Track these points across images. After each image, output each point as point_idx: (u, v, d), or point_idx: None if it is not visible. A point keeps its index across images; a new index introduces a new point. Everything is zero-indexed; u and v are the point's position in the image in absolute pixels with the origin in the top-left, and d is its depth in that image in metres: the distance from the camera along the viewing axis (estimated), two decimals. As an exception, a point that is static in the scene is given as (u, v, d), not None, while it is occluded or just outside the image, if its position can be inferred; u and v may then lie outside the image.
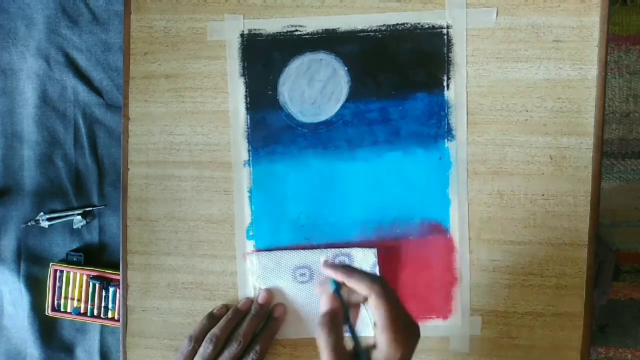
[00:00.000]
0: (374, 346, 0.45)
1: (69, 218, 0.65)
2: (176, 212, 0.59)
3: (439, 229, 0.56)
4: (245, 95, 0.58)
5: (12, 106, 0.66)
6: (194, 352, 0.55)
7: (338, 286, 0.47)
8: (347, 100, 0.57)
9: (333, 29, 0.56)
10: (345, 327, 0.46)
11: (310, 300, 0.57)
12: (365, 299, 0.45)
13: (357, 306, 0.48)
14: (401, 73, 0.56)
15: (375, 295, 0.44)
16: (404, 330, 0.44)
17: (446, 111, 0.56)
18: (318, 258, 0.56)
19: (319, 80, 0.57)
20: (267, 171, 0.58)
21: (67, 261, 0.65)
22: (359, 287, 0.45)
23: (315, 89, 0.57)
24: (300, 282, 0.57)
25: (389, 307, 0.44)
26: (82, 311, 0.64)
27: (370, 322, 0.46)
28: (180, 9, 0.58)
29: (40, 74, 0.65)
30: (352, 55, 0.56)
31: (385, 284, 0.45)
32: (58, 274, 0.64)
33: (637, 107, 1.13)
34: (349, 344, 0.45)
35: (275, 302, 0.58)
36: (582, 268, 0.55)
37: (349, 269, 0.47)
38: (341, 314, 0.46)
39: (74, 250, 0.65)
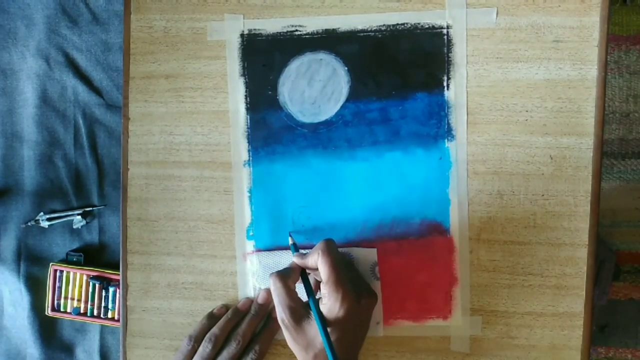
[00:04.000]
0: (320, 299, 0.50)
1: (69, 218, 0.65)
2: (176, 212, 0.59)
3: (439, 229, 0.56)
4: (245, 95, 0.58)
5: (12, 106, 0.66)
6: (193, 351, 0.55)
7: (295, 249, 0.54)
8: (347, 100, 0.57)
9: (333, 29, 0.56)
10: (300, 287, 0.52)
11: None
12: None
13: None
14: (401, 73, 0.56)
15: (320, 253, 0.49)
16: (349, 287, 0.49)
17: (446, 111, 0.56)
18: (318, 258, 0.56)
19: (319, 80, 0.57)
20: (267, 171, 0.58)
21: (67, 261, 0.65)
22: (313, 258, 0.50)
23: (315, 89, 0.57)
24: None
25: (331, 263, 0.48)
26: (82, 311, 0.64)
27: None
28: (180, 9, 0.58)
29: (40, 74, 0.65)
30: (352, 55, 0.56)
31: (330, 245, 0.50)
32: (58, 274, 0.64)
33: (637, 107, 1.13)
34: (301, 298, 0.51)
35: (275, 302, 0.58)
36: (582, 268, 0.55)
37: (306, 254, 0.52)
38: (294, 270, 0.52)
39: (74, 250, 0.65)
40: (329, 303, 0.48)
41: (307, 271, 0.53)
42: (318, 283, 0.52)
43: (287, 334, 0.50)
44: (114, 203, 0.65)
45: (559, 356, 0.56)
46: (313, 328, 0.49)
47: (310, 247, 0.56)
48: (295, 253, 0.53)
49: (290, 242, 0.56)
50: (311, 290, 0.51)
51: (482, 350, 0.56)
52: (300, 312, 0.50)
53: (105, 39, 0.64)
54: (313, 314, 0.49)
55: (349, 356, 0.50)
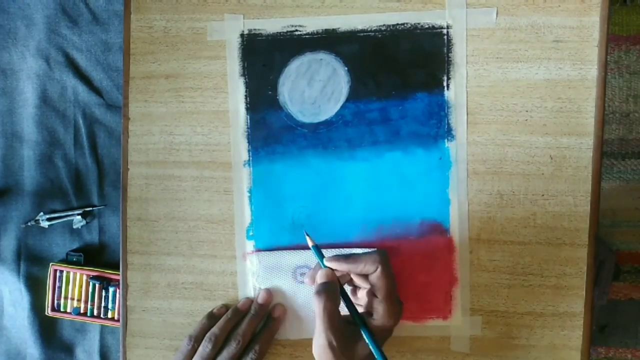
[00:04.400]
0: (369, 314, 0.48)
1: (69, 218, 0.65)
2: (176, 212, 0.59)
3: (439, 229, 0.56)
4: (245, 95, 0.58)
5: (12, 106, 0.66)
6: (193, 351, 0.55)
7: (318, 252, 0.50)
8: (347, 100, 0.57)
9: (333, 29, 0.56)
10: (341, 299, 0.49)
11: (310, 300, 0.57)
12: (365, 276, 0.49)
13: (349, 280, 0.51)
14: (401, 73, 0.56)
15: (381, 268, 0.47)
16: (397, 303, 0.49)
17: (446, 111, 0.56)
18: (318, 258, 0.56)
19: (319, 80, 0.57)
20: (267, 171, 0.58)
21: (67, 261, 0.65)
22: (366, 269, 0.48)
23: (315, 89, 0.57)
24: (300, 282, 0.57)
25: (391, 280, 0.47)
26: (82, 311, 0.64)
27: (353, 299, 0.51)
28: (180, 9, 0.58)
29: (40, 74, 0.65)
30: (352, 55, 0.56)
31: (388, 259, 0.48)
32: (58, 274, 0.64)
33: (637, 107, 1.13)
34: (342, 311, 0.48)
35: (275, 302, 0.58)
36: (582, 268, 0.55)
37: (351, 257, 0.49)
38: (338, 284, 0.48)
39: (74, 250, 0.65)
40: (383, 320, 0.47)
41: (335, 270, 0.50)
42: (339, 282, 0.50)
43: (329, 356, 0.45)
44: (114, 203, 0.65)
45: (559, 356, 0.56)
46: (360, 347, 0.46)
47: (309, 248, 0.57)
48: (329, 257, 0.49)
49: (311, 243, 0.51)
50: (357, 312, 0.48)
51: (482, 350, 0.56)
52: (346, 332, 0.46)
53: (105, 39, 0.64)
54: (364, 334, 0.46)
55: None
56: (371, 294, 0.49)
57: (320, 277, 0.48)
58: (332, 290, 0.47)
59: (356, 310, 0.48)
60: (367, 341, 0.46)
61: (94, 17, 0.64)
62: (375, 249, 0.49)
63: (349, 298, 0.49)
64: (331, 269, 0.49)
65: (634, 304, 1.15)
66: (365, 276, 0.49)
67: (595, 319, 1.14)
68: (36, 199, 0.65)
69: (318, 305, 0.46)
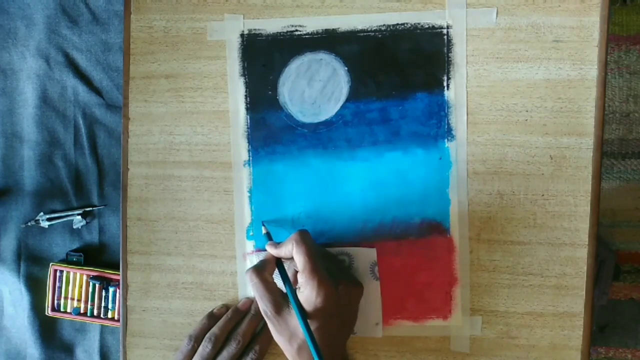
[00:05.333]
0: (298, 288, 0.50)
1: (69, 218, 0.65)
2: (176, 212, 0.59)
3: (439, 229, 0.56)
4: (245, 95, 0.58)
5: (12, 106, 0.66)
6: (193, 351, 0.55)
7: (268, 239, 0.55)
8: (347, 100, 0.57)
9: (333, 29, 0.56)
10: (277, 277, 0.52)
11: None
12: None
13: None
14: (401, 73, 0.56)
15: (295, 243, 0.49)
16: (325, 274, 0.49)
17: (446, 111, 0.56)
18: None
19: (319, 80, 0.57)
20: (267, 171, 0.58)
21: (67, 261, 0.65)
22: (287, 248, 0.50)
23: (315, 89, 0.57)
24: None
25: (306, 252, 0.49)
26: (82, 311, 0.64)
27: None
28: (180, 9, 0.58)
29: (40, 74, 0.65)
30: (352, 55, 0.56)
31: (304, 235, 0.50)
32: (58, 274, 0.64)
33: (637, 107, 1.13)
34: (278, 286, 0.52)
35: (275, 302, 0.58)
36: (582, 268, 0.55)
37: (279, 243, 0.52)
38: (274, 262, 0.53)
39: (74, 250, 0.65)
40: (306, 291, 0.49)
41: (285, 262, 0.53)
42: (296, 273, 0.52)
43: (271, 327, 0.51)
44: (114, 203, 0.65)
45: (559, 356, 0.56)
46: (294, 318, 0.49)
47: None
48: (268, 243, 0.54)
49: (264, 231, 0.56)
50: (287, 280, 0.52)
51: (482, 350, 0.56)
52: (280, 302, 0.50)
53: (105, 39, 0.64)
54: (291, 304, 0.50)
55: (335, 346, 0.50)
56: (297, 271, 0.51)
57: (258, 258, 0.55)
58: (259, 266, 0.52)
59: (286, 280, 0.51)
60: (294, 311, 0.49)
61: (94, 17, 0.64)
62: (297, 230, 0.51)
63: (284, 271, 0.52)
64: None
65: (634, 304, 1.15)
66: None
67: (595, 319, 1.14)
68: (36, 199, 0.65)
69: (248, 281, 0.51)
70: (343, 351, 0.54)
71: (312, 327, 0.48)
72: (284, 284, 0.51)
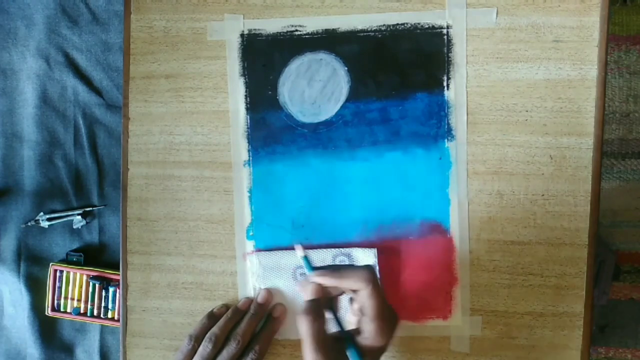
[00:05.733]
0: (358, 332, 0.47)
1: (69, 218, 0.65)
2: (176, 212, 0.59)
3: (439, 229, 0.56)
4: (245, 95, 0.58)
5: (12, 106, 0.66)
6: (193, 351, 0.55)
7: (309, 264, 0.49)
8: (347, 100, 0.57)
9: (333, 29, 0.56)
10: (329, 314, 0.47)
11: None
12: (354, 291, 0.46)
13: (338, 295, 0.49)
14: (401, 73, 0.56)
15: (371, 287, 0.45)
16: (388, 320, 0.47)
17: (446, 111, 0.56)
18: (318, 258, 0.56)
19: (319, 80, 0.57)
20: (267, 171, 0.58)
21: (67, 261, 0.65)
22: (353, 285, 0.46)
23: (315, 89, 0.57)
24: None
25: (380, 299, 0.45)
26: (82, 311, 0.64)
27: (350, 311, 0.49)
28: (180, 9, 0.58)
29: (40, 74, 0.65)
30: (352, 55, 0.56)
31: (377, 276, 0.47)
32: (58, 274, 0.64)
33: (637, 107, 1.13)
34: (330, 329, 0.46)
35: (275, 302, 0.58)
36: (582, 268, 0.55)
37: (338, 271, 0.47)
38: (324, 301, 0.47)
39: (74, 250, 0.65)
40: (373, 340, 0.46)
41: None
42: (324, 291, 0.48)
43: None
44: (114, 203, 0.65)
45: (559, 356, 0.56)
46: None
47: (311, 247, 0.57)
48: (313, 271, 0.48)
49: (301, 253, 0.50)
50: (344, 330, 0.47)
51: (482, 350, 0.56)
52: (334, 349, 0.45)
53: (105, 39, 0.64)
54: (350, 355, 0.46)
55: None
56: (361, 311, 0.47)
57: (306, 294, 0.47)
58: (317, 309, 0.46)
59: (343, 327, 0.47)
60: None
61: (94, 17, 0.64)
62: (365, 265, 0.47)
63: (337, 315, 0.48)
64: (319, 284, 0.47)
65: (634, 304, 1.15)
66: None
67: (595, 319, 1.14)
68: (36, 199, 0.65)
69: (304, 326, 0.44)
70: None
71: None
72: (347, 343, 0.46)
